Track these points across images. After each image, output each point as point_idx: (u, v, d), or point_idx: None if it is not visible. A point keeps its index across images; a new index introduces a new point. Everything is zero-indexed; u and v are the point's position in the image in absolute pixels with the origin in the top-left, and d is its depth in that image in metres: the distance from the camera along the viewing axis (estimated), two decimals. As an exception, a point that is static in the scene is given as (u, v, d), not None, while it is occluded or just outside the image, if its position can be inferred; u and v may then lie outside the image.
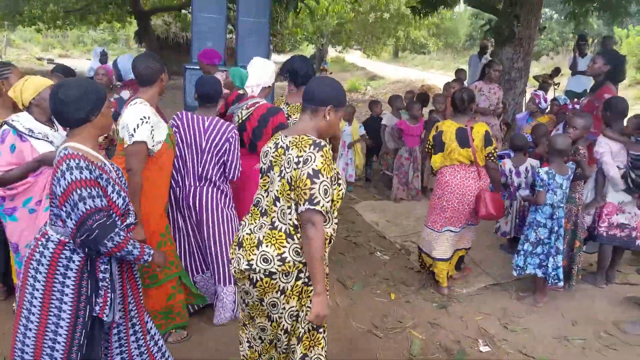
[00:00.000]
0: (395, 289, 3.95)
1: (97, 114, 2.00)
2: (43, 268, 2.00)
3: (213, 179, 3.14)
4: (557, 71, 9.60)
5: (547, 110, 5.47)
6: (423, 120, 5.93)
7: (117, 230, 1.97)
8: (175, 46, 20.74)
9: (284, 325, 2.09)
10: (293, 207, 1.98)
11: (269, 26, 6.97)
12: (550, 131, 4.67)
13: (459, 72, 6.90)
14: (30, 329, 2.03)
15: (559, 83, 9.63)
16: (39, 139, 2.77)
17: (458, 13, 28.75)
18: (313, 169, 1.90)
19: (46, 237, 2.04)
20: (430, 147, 3.86)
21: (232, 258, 2.14)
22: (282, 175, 1.99)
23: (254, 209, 2.15)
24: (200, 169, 3.12)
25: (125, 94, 4.37)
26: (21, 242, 2.84)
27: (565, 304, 3.75)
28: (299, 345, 2.10)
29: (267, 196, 2.09)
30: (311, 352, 2.13)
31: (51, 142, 2.81)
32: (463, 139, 3.61)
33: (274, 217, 2.03)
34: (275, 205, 2.02)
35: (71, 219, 1.93)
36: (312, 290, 2.04)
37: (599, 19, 10.15)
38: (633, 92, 15.79)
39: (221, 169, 3.14)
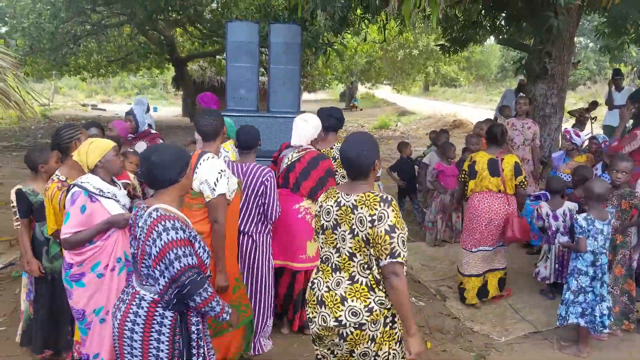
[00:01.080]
0: (431, 337, 3.86)
1: (183, 175, 2.18)
2: (139, 328, 2.09)
3: (254, 221, 3.38)
4: (594, 105, 9.38)
5: (584, 148, 5.34)
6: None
7: (205, 286, 2.08)
8: (210, 89, 21.41)
9: None
10: (373, 261, 2.12)
11: (300, 73, 7.14)
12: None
13: (504, 109, 6.85)
14: None
15: (595, 117, 9.42)
16: (109, 198, 2.84)
17: (488, 45, 28.73)
18: (389, 225, 2.04)
19: (138, 297, 2.12)
20: (465, 175, 4.30)
21: (313, 317, 2.24)
22: (356, 233, 2.12)
23: (324, 266, 2.28)
24: (242, 213, 3.35)
25: (142, 145, 4.44)
26: (88, 308, 2.81)
27: (610, 356, 3.55)
28: None
29: (337, 253, 2.21)
30: None
31: (118, 201, 2.88)
32: (494, 168, 4.10)
33: (352, 271, 2.16)
34: (353, 261, 2.16)
35: (164, 277, 2.05)
36: (395, 333, 2.21)
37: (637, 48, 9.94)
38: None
39: (261, 211, 3.38)
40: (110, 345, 2.71)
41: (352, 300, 2.12)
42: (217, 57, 18.14)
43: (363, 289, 2.13)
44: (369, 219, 2.07)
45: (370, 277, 2.15)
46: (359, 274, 2.15)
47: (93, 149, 2.81)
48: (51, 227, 2.98)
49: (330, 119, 3.84)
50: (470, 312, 4.29)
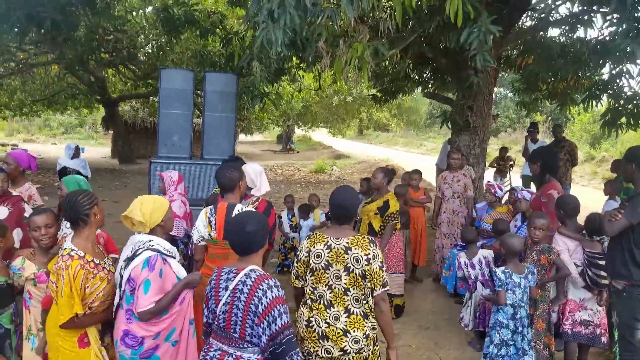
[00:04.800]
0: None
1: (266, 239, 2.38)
2: None
3: None
4: (504, 150, 10.13)
5: (504, 201, 5.67)
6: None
7: (297, 349, 2.18)
8: (142, 131, 20.98)
9: None
10: (367, 292, 2.54)
11: (235, 120, 7.15)
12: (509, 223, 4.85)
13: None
14: None
15: (513, 163, 10.12)
16: (174, 257, 2.70)
17: (417, 93, 30.49)
18: (380, 261, 2.54)
19: None
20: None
21: (315, 350, 2.55)
22: (351, 270, 2.51)
23: (316, 305, 2.58)
24: None
25: (2, 211, 3.81)
26: None
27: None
28: None
29: (330, 290, 2.55)
30: None
31: (175, 258, 2.75)
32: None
33: (347, 305, 2.54)
34: (347, 295, 2.53)
35: (266, 335, 2.13)
36: (377, 349, 2.65)
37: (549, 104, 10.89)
38: (590, 168, 16.63)
39: None
40: None
41: (353, 331, 2.51)
42: (151, 98, 17.81)
43: (359, 319, 2.54)
44: (364, 258, 2.50)
45: (364, 307, 2.56)
46: (353, 306, 2.54)
47: (157, 207, 2.67)
48: (67, 314, 2.46)
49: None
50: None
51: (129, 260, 2.58)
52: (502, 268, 3.62)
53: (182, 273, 2.72)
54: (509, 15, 6.53)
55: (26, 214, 3.74)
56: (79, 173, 7.47)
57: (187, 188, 5.91)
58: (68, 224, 3.11)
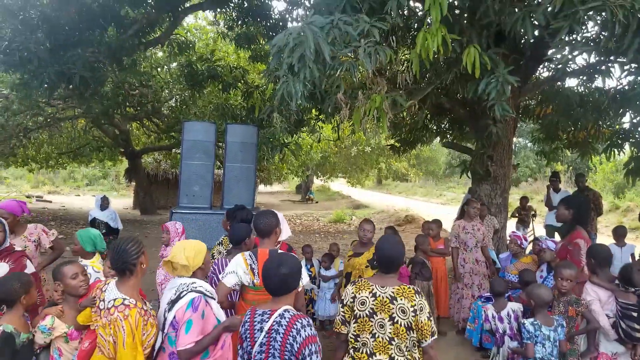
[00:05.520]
0: None
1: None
2: None
3: None
4: (525, 200, 9.96)
5: (528, 251, 5.52)
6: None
7: None
8: (164, 182, 21.36)
9: None
10: (411, 343, 2.53)
11: (255, 170, 7.24)
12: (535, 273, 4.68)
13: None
14: None
15: (535, 213, 9.92)
16: (215, 299, 2.72)
17: (436, 143, 30.70)
18: (428, 312, 2.53)
19: None
20: None
21: None
22: (396, 320, 2.51)
23: (358, 354, 2.58)
24: None
25: (3, 267, 3.53)
26: None
27: None
28: None
29: (373, 338, 2.55)
30: None
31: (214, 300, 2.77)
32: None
33: (391, 354, 2.52)
34: (391, 344, 2.53)
35: None
36: None
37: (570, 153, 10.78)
38: (615, 218, 16.20)
39: None
40: None
41: None
42: (173, 150, 18.22)
43: None
44: (411, 309, 2.50)
45: (407, 356, 2.54)
46: (397, 355, 2.53)
47: (199, 251, 2.76)
48: None
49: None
50: None
51: (173, 302, 2.57)
52: (531, 320, 3.47)
53: (222, 316, 2.72)
54: (526, 65, 6.61)
55: (27, 271, 3.57)
56: (108, 225, 7.54)
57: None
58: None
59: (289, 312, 2.30)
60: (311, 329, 2.25)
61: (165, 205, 20.85)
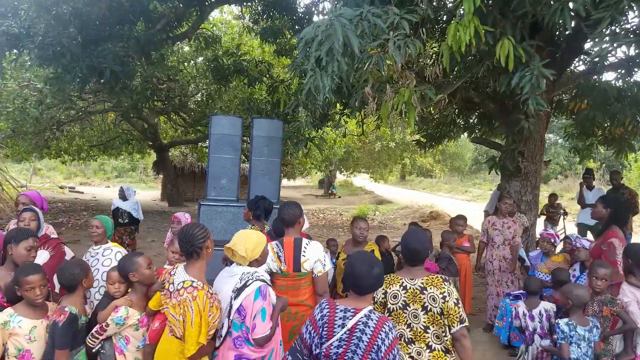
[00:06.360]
0: None
1: None
2: None
3: None
4: (553, 197, 9.69)
5: (558, 249, 5.37)
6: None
7: None
8: (190, 175, 21.66)
9: None
10: (446, 330, 2.60)
11: (280, 165, 7.23)
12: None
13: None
14: None
15: (565, 211, 9.65)
16: (270, 285, 2.85)
17: (463, 139, 30.24)
18: (455, 299, 2.61)
19: None
20: None
21: None
22: (429, 309, 2.60)
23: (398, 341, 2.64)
24: None
25: (43, 255, 3.66)
26: None
27: None
28: None
29: (409, 328, 2.65)
30: None
31: None
32: None
33: (428, 341, 2.62)
34: (427, 333, 2.62)
35: None
36: None
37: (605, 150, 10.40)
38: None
39: None
40: None
41: None
42: (199, 144, 18.44)
43: (440, 354, 2.61)
44: (440, 296, 2.58)
45: (444, 343, 2.62)
46: (434, 343, 2.62)
47: (258, 243, 2.85)
48: (196, 345, 2.56)
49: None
50: None
51: (239, 290, 2.69)
52: (566, 320, 3.38)
53: (274, 298, 2.85)
54: (561, 58, 6.40)
55: (67, 257, 3.67)
56: (130, 215, 7.73)
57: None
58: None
59: (374, 313, 2.33)
60: (393, 333, 2.30)
61: (191, 198, 21.14)
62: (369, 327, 2.26)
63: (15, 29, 7.03)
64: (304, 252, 3.37)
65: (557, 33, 6.23)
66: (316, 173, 30.69)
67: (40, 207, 4.27)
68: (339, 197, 30.01)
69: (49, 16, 7.07)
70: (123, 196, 7.86)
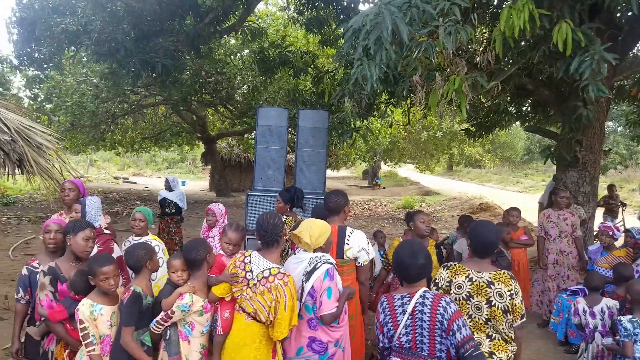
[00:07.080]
0: None
1: None
2: None
3: None
4: (612, 188, 9.19)
5: (620, 243, 5.09)
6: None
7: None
8: (236, 166, 22.10)
9: None
10: (510, 324, 2.64)
11: (326, 155, 7.23)
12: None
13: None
14: None
15: (625, 204, 9.14)
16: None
17: (514, 127, 29.18)
18: (521, 297, 2.65)
19: None
20: None
21: None
22: (493, 304, 2.62)
23: None
24: None
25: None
26: None
27: None
28: None
29: (470, 319, 2.67)
30: None
31: None
32: None
33: (488, 332, 2.66)
34: (487, 325, 2.66)
35: (452, 347, 2.29)
36: None
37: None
38: None
39: None
40: None
41: (498, 353, 2.64)
42: (245, 135, 18.75)
43: (501, 344, 2.66)
44: (508, 293, 2.61)
45: (503, 335, 2.65)
46: (494, 333, 2.66)
47: (325, 231, 2.98)
48: (288, 327, 2.71)
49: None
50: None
51: (309, 274, 2.83)
52: (629, 317, 3.21)
53: (341, 285, 2.93)
54: (623, 41, 6.02)
55: (114, 254, 3.63)
56: (176, 205, 7.96)
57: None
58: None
59: (428, 292, 2.39)
60: (454, 305, 2.35)
61: (238, 188, 21.58)
62: (426, 306, 2.34)
63: (73, 27, 7.36)
64: (348, 240, 3.41)
65: (619, 15, 5.86)
66: (360, 164, 30.52)
67: (83, 194, 4.36)
68: (384, 187, 29.76)
69: (104, 13, 7.36)
70: (169, 187, 8.09)
